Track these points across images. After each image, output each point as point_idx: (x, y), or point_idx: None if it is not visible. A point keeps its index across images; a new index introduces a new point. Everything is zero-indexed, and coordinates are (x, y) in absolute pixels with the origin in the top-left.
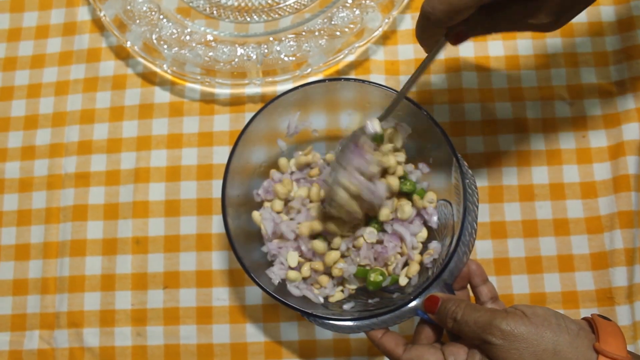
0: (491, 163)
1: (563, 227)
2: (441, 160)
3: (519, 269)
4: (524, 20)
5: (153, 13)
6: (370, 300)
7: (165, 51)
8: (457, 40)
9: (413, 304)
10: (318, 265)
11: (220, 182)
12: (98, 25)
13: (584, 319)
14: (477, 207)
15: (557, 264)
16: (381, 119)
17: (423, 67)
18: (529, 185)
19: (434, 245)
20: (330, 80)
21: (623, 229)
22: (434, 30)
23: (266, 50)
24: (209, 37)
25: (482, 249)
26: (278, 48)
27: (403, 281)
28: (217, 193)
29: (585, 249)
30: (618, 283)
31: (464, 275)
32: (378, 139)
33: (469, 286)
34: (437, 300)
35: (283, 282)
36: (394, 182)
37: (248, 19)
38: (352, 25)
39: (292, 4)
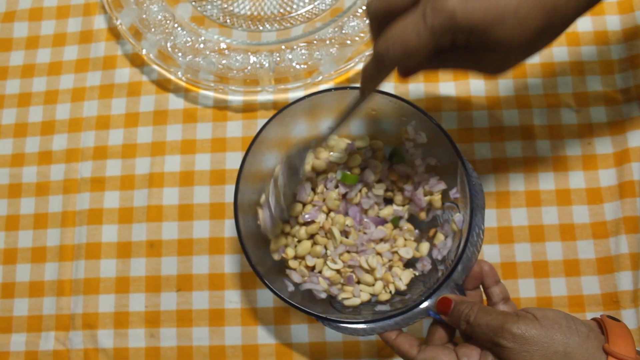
0: (498, 169)
1: (569, 232)
2: (448, 164)
3: (525, 273)
4: (470, 66)
5: (168, 22)
6: (380, 307)
7: (180, 59)
8: (407, 74)
9: (424, 304)
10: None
11: (233, 187)
12: (114, 33)
13: (594, 319)
14: (484, 208)
15: (563, 269)
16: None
17: (353, 108)
18: (536, 191)
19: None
20: (336, 89)
21: (628, 234)
22: (385, 73)
23: (278, 59)
24: (223, 46)
25: (490, 254)
26: (290, 56)
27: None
28: (229, 198)
29: (591, 253)
30: (624, 287)
31: (476, 276)
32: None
33: (481, 287)
34: (450, 302)
35: (295, 288)
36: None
37: (260, 28)
38: (362, 34)
39: (304, 13)
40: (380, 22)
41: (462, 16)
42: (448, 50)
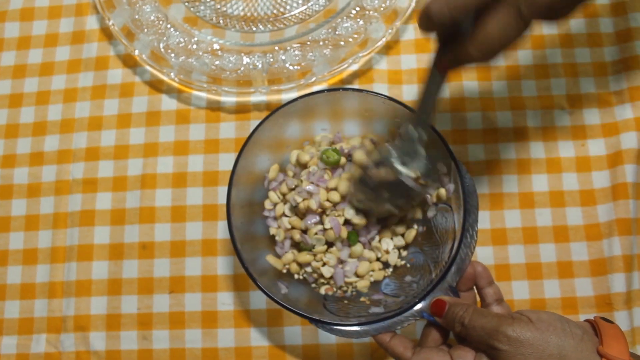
0: (492, 171)
1: (563, 234)
2: (441, 165)
3: (519, 275)
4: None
5: (161, 22)
6: (373, 309)
7: (173, 59)
8: (442, 69)
9: (418, 306)
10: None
11: (226, 188)
12: (106, 33)
13: (587, 321)
14: (477, 210)
15: (556, 270)
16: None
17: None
18: (529, 193)
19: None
20: (329, 90)
21: (621, 236)
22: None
23: (271, 59)
24: (216, 46)
25: (483, 255)
26: (283, 57)
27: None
28: (222, 199)
29: (584, 255)
30: (617, 289)
31: (470, 277)
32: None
33: (474, 288)
34: (444, 304)
35: (288, 291)
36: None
37: (254, 29)
38: (355, 36)
39: (297, 14)
40: (447, 25)
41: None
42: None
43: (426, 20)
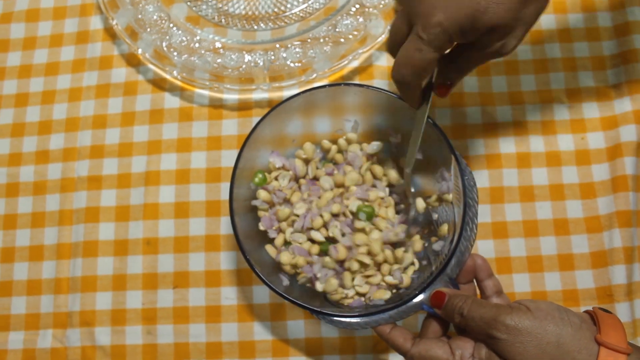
0: (492, 165)
1: (563, 227)
2: (441, 159)
3: (520, 267)
4: (486, 56)
5: (163, 22)
6: (375, 301)
7: (175, 58)
8: (443, 93)
9: (418, 298)
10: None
11: (229, 184)
12: (110, 33)
13: (586, 311)
14: (477, 203)
15: (557, 263)
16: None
17: (420, 128)
18: (529, 186)
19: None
20: (330, 85)
21: (622, 228)
22: (413, 91)
23: (273, 57)
24: (218, 45)
25: (484, 249)
26: (284, 55)
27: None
28: (225, 195)
29: (585, 248)
30: (617, 281)
31: (470, 270)
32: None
33: (474, 280)
34: (444, 295)
35: (290, 283)
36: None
37: (255, 27)
38: (355, 32)
39: (298, 12)
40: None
41: (448, 23)
42: (455, 53)
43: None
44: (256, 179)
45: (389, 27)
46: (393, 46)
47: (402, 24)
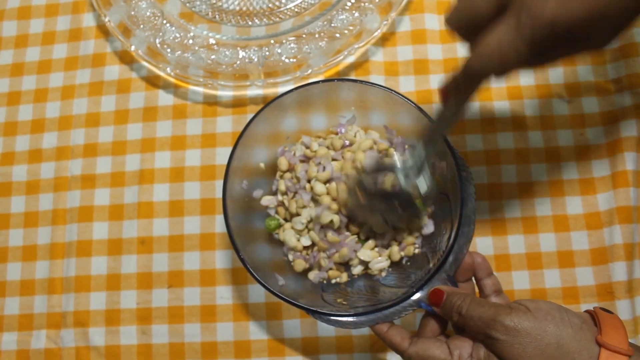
0: (490, 161)
1: (562, 223)
2: (438, 154)
3: (519, 265)
4: (569, 55)
5: (157, 18)
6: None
7: (169, 55)
8: (444, 96)
9: (416, 296)
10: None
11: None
12: (103, 30)
13: (587, 311)
14: (475, 199)
15: (557, 260)
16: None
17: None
18: (528, 183)
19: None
20: (324, 81)
21: (622, 224)
22: (478, 87)
23: (267, 53)
24: (212, 41)
25: (483, 246)
26: (279, 50)
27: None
28: (220, 193)
29: (585, 244)
30: (618, 278)
31: (469, 268)
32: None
33: (473, 279)
34: (442, 293)
35: (286, 283)
36: None
37: (249, 23)
38: (351, 27)
39: (293, 8)
40: (464, 33)
41: (563, 21)
42: (547, 51)
43: (455, 33)
44: (271, 225)
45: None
46: (465, 24)
47: (487, 2)
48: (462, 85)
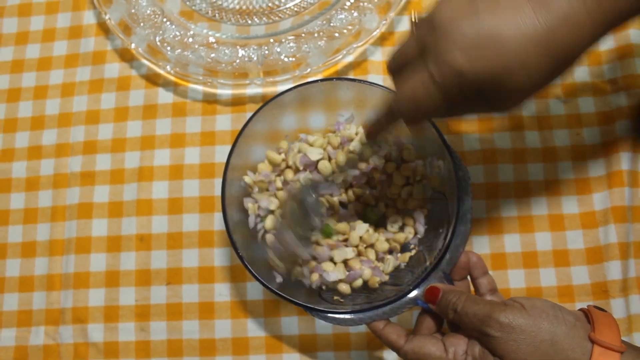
0: (488, 160)
1: (558, 223)
2: (435, 153)
3: (515, 263)
4: (480, 110)
5: (157, 16)
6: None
7: (169, 53)
8: (415, 123)
9: (413, 294)
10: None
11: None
12: (103, 28)
13: (581, 309)
14: (471, 198)
15: (552, 259)
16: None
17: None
18: (525, 182)
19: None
20: (323, 80)
21: (617, 224)
22: (395, 124)
23: (267, 52)
24: (211, 39)
25: (479, 245)
26: (278, 49)
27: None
28: (219, 191)
29: (580, 243)
30: (613, 277)
31: (464, 266)
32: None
33: (469, 277)
34: (438, 291)
35: (283, 280)
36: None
37: (249, 22)
38: (350, 27)
39: (292, 7)
40: (395, 75)
41: (469, 72)
42: (458, 102)
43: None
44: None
45: (396, 47)
46: (395, 66)
47: (413, 48)
48: (384, 124)
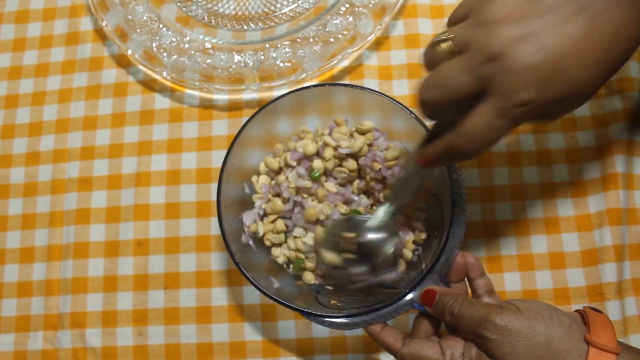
0: (483, 164)
1: (554, 225)
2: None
3: (510, 266)
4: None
5: (153, 22)
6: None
7: (165, 59)
8: (425, 163)
9: (409, 297)
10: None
11: None
12: (100, 34)
13: (576, 311)
14: (465, 200)
15: (548, 261)
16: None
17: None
18: (520, 185)
19: None
20: (316, 85)
21: (612, 226)
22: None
23: (262, 57)
24: (207, 45)
25: (475, 248)
26: (274, 54)
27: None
28: (215, 196)
29: (575, 246)
30: (608, 279)
31: (461, 268)
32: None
33: (466, 280)
34: (434, 294)
35: (280, 285)
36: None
37: (245, 27)
38: (345, 32)
39: (288, 12)
40: (438, 109)
41: (539, 102)
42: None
43: (425, 109)
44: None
45: (433, 76)
46: (443, 101)
47: (465, 78)
48: (442, 160)
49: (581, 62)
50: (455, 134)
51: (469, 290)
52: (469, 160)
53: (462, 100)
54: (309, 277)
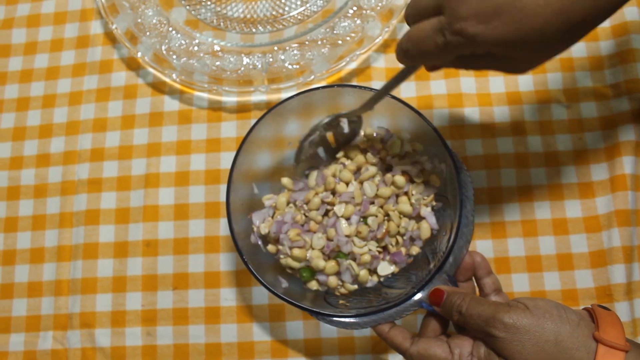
0: (490, 165)
1: (562, 227)
2: (438, 156)
3: (519, 267)
4: (494, 68)
5: (163, 25)
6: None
7: (175, 61)
8: (432, 69)
9: (417, 296)
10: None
11: None
12: (110, 37)
13: (585, 309)
14: (473, 200)
15: (556, 263)
16: (351, 115)
17: (399, 78)
18: (528, 186)
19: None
20: (325, 87)
21: (621, 227)
22: (410, 62)
23: (271, 59)
24: (216, 48)
25: (483, 249)
26: (282, 57)
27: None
28: (224, 197)
29: (584, 247)
30: (617, 280)
31: (469, 267)
32: None
33: (473, 279)
34: (442, 293)
35: (289, 285)
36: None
37: (253, 30)
38: (353, 34)
39: (296, 15)
40: (410, 22)
41: (482, 39)
42: (469, 56)
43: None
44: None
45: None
46: (412, 14)
47: (428, 1)
48: (397, 54)
49: (545, 14)
50: (405, 34)
51: (477, 290)
52: (412, 67)
53: (424, 15)
54: (314, 285)
